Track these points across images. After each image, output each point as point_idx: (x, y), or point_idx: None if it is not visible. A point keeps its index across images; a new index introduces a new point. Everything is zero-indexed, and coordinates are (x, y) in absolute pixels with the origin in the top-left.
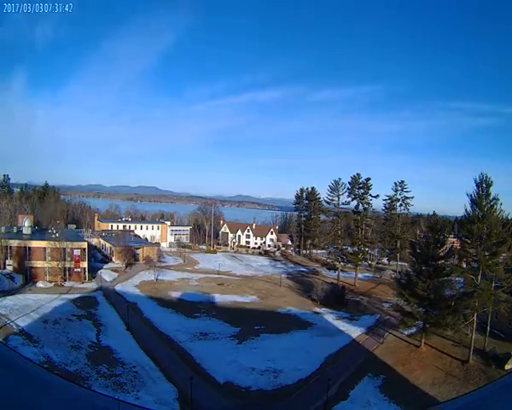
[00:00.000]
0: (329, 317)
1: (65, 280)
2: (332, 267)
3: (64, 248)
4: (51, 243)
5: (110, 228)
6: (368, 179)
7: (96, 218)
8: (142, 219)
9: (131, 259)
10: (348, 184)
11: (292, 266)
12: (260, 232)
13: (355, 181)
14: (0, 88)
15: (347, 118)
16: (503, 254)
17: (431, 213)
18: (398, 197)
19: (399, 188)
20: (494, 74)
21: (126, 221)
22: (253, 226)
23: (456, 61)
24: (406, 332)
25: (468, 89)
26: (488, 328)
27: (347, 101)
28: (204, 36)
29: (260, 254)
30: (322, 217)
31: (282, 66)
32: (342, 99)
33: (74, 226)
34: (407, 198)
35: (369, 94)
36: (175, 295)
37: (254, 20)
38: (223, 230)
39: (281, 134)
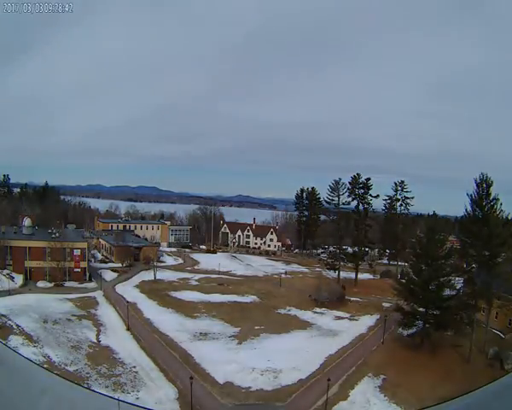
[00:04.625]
0: (329, 317)
1: (65, 280)
2: (332, 267)
3: (64, 248)
4: (51, 243)
5: (110, 228)
6: (368, 179)
7: (96, 218)
8: (142, 219)
9: (131, 259)
10: (348, 184)
11: (292, 266)
12: (260, 232)
13: (355, 181)
14: None
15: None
16: (503, 254)
17: (431, 213)
18: (398, 197)
19: (399, 188)
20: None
21: (126, 221)
22: (253, 226)
23: None
24: (406, 332)
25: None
26: (488, 328)
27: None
28: None
29: (260, 254)
30: (323, 217)
31: None
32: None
33: (74, 226)
34: (407, 198)
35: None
36: (175, 294)
37: None
38: (223, 230)
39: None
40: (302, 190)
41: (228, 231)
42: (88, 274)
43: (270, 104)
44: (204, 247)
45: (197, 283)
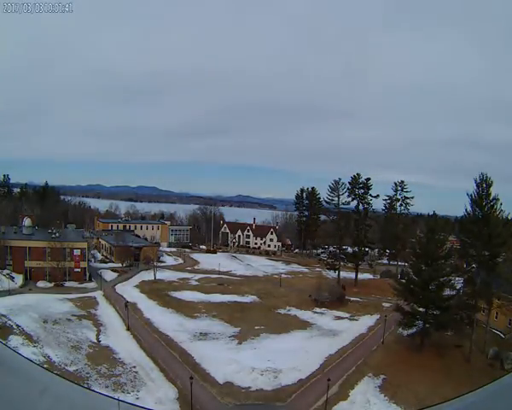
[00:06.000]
0: (329, 317)
1: (65, 280)
2: (332, 267)
3: (64, 248)
4: (51, 243)
5: (110, 228)
6: (368, 179)
7: (96, 218)
8: (142, 219)
9: (131, 259)
10: (348, 184)
11: (292, 266)
12: (260, 232)
13: (355, 181)
14: None
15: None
16: (503, 254)
17: (431, 213)
18: (398, 197)
19: (399, 188)
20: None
21: (126, 221)
22: (253, 226)
23: None
24: (406, 332)
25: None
26: (488, 328)
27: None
28: None
29: (260, 254)
30: (323, 217)
31: None
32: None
33: (74, 226)
34: (407, 198)
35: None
36: (175, 294)
37: None
38: (223, 230)
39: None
40: (302, 190)
41: (228, 231)
42: (88, 274)
43: None
44: (204, 247)
45: (197, 283)
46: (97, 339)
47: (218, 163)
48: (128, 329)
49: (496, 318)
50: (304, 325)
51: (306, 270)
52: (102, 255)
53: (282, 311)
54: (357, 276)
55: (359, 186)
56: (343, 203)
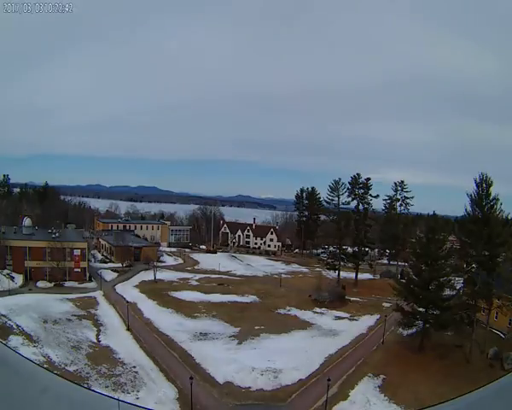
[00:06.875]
0: (329, 317)
1: (65, 280)
2: (332, 267)
3: (64, 248)
4: (51, 243)
5: (110, 228)
6: (368, 179)
7: (95, 218)
8: (142, 219)
9: (131, 259)
10: (348, 184)
11: (292, 266)
12: (260, 232)
13: (355, 181)
14: None
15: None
16: (503, 254)
17: (431, 213)
18: (398, 197)
19: (399, 188)
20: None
21: (126, 221)
22: (253, 226)
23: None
24: (406, 332)
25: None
26: (488, 328)
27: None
28: None
29: (260, 254)
30: (323, 217)
31: None
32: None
33: (74, 226)
34: (407, 198)
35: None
36: (175, 294)
37: None
38: (223, 230)
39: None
40: (302, 190)
41: (228, 231)
42: (88, 274)
43: None
44: (204, 247)
45: (197, 283)
46: (97, 339)
47: (219, 163)
48: (128, 329)
49: (496, 318)
50: (304, 325)
51: (306, 270)
52: (102, 255)
53: (282, 311)
54: (357, 276)
55: (359, 186)
56: (343, 203)
